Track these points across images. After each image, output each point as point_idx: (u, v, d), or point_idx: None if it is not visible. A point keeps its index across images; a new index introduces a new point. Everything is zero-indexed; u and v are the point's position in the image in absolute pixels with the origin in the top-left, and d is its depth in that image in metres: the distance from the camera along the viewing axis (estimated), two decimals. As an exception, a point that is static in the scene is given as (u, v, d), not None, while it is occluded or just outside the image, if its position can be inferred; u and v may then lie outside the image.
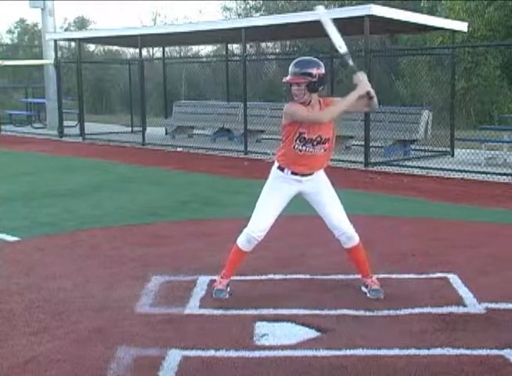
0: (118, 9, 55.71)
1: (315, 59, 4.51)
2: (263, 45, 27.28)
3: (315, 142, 4.43)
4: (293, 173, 4.53)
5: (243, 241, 4.65)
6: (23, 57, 31.29)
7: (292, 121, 4.42)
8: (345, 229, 4.62)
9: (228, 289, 4.71)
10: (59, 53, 23.93)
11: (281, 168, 4.56)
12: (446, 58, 13.94)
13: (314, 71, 4.36)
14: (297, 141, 4.43)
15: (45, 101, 20.82)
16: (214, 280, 4.82)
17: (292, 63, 4.45)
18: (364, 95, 4.42)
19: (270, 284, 4.98)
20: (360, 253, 4.73)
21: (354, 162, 11.70)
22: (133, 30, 17.53)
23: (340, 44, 4.55)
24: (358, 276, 4.80)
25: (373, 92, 4.45)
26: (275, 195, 4.58)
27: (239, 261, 4.74)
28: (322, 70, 4.41)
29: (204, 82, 23.97)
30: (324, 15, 4.59)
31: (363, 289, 4.72)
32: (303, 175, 4.53)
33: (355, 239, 4.66)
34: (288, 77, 4.42)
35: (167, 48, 24.18)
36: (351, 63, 4.52)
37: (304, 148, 4.44)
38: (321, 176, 4.63)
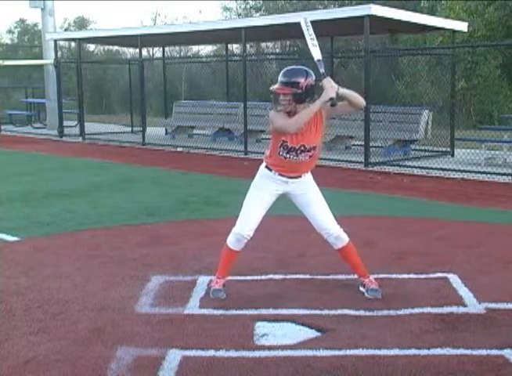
0: (118, 9, 55.78)
1: (305, 68, 4.46)
2: (263, 45, 27.28)
3: (298, 151, 4.44)
4: (281, 174, 4.55)
5: (232, 241, 4.67)
6: (23, 57, 31.28)
7: (274, 129, 4.46)
8: (331, 229, 4.61)
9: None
10: (59, 53, 23.95)
11: (269, 168, 4.59)
12: (446, 58, 13.94)
13: (302, 81, 4.32)
14: (281, 148, 4.46)
15: (45, 101, 20.82)
16: (210, 281, 4.83)
17: (281, 72, 4.43)
18: (327, 100, 4.32)
19: (270, 284, 4.98)
20: (351, 253, 4.72)
21: (354, 162, 11.70)
22: (133, 30, 17.53)
23: (314, 53, 4.51)
24: (356, 276, 4.81)
25: (336, 95, 4.32)
26: (262, 193, 4.59)
27: (232, 260, 4.75)
28: (311, 81, 4.37)
29: (204, 82, 23.96)
30: (304, 24, 4.62)
31: (361, 289, 4.73)
32: (290, 177, 4.55)
33: (344, 239, 4.65)
34: (275, 86, 4.40)
35: (167, 48, 24.18)
36: (322, 70, 4.44)
37: (288, 155, 4.46)
38: (307, 178, 4.63)
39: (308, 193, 4.60)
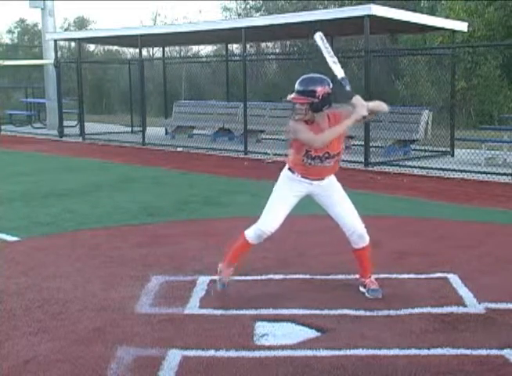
0: (118, 9, 55.79)
1: (322, 76, 4.44)
2: (263, 45, 27.27)
3: (323, 158, 4.46)
4: (304, 176, 4.56)
5: (252, 236, 4.66)
6: (23, 57, 31.29)
7: (296, 139, 4.44)
8: (356, 227, 4.61)
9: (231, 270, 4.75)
10: (59, 53, 23.94)
11: (292, 171, 4.60)
12: (446, 58, 13.94)
13: (318, 90, 4.31)
14: (305, 157, 4.46)
15: (45, 101, 20.82)
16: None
17: (298, 81, 4.40)
18: (360, 119, 4.35)
19: (270, 284, 4.98)
20: (368, 254, 4.73)
21: (354, 162, 11.69)
22: (133, 30, 17.53)
23: (337, 71, 4.49)
24: (357, 276, 4.81)
25: (369, 113, 4.35)
26: (286, 193, 4.61)
27: (245, 252, 4.77)
28: (328, 89, 4.35)
29: (204, 82, 23.96)
30: (321, 43, 4.57)
31: (361, 289, 4.73)
32: (313, 179, 4.57)
33: (366, 239, 4.66)
34: (291, 96, 4.39)
35: (167, 48, 24.18)
36: (348, 88, 4.44)
37: (312, 162, 4.48)
38: (330, 179, 4.65)
39: (333, 194, 4.62)
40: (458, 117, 15.83)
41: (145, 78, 16.43)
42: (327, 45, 4.60)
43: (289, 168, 4.62)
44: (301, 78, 4.43)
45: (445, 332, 4.00)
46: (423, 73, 16.90)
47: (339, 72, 4.48)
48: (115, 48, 30.42)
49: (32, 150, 15.14)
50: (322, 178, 4.59)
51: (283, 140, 13.06)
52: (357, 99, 4.34)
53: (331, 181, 4.65)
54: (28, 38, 39.67)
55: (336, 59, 4.53)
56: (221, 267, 4.78)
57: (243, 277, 4.99)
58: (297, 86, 4.38)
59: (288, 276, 5.14)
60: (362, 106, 4.31)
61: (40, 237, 6.61)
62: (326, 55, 4.54)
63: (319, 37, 4.60)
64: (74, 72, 19.22)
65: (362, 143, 11.96)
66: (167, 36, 16.86)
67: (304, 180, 4.57)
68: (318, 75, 4.48)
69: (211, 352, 3.72)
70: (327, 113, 4.43)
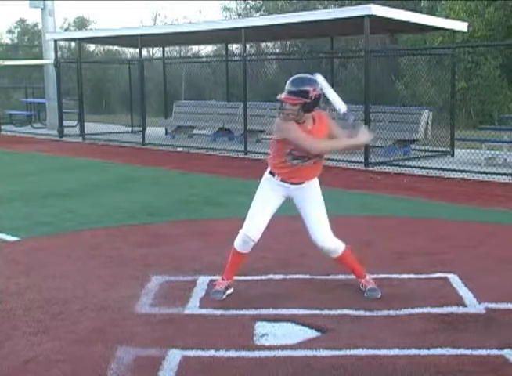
0: (118, 9, 55.79)
1: (312, 77, 4.44)
2: (263, 45, 27.28)
3: (306, 158, 4.45)
4: (283, 180, 4.54)
5: (239, 242, 4.65)
6: (23, 57, 31.28)
7: (284, 138, 4.41)
8: (323, 242, 4.58)
9: (230, 291, 4.71)
10: (59, 53, 23.94)
11: (272, 173, 4.58)
12: (446, 58, 13.94)
13: (310, 90, 4.30)
14: (289, 156, 4.45)
15: (45, 101, 20.82)
16: (215, 280, 4.83)
17: (288, 81, 4.39)
18: (360, 145, 4.55)
19: (270, 284, 4.98)
20: (347, 260, 4.72)
21: (354, 162, 11.69)
22: (133, 30, 17.53)
23: (339, 105, 4.51)
24: (354, 277, 4.81)
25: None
26: (268, 195, 4.59)
27: (238, 263, 4.73)
28: (318, 90, 4.35)
29: (204, 82, 23.96)
30: (322, 81, 4.55)
31: (362, 288, 4.73)
32: (292, 183, 4.54)
33: (336, 251, 4.63)
34: (283, 96, 4.35)
35: (167, 48, 24.18)
36: (351, 119, 4.49)
37: (294, 162, 4.46)
38: (311, 184, 4.61)
39: (309, 200, 4.58)
40: (458, 117, 15.82)
41: (145, 78, 16.42)
42: (327, 83, 4.61)
43: (269, 172, 4.60)
44: (291, 78, 4.40)
45: (445, 332, 4.00)
46: (423, 73, 16.90)
47: (342, 106, 4.51)
48: (115, 48, 30.41)
49: (32, 150, 15.14)
50: (301, 182, 4.55)
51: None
52: (363, 129, 4.47)
53: (312, 186, 4.60)
54: (28, 38, 39.66)
55: (337, 95, 4.56)
56: (219, 279, 4.76)
57: (243, 277, 4.99)
58: (288, 86, 4.35)
59: (288, 276, 5.14)
60: (366, 135, 4.44)
61: (40, 237, 6.61)
62: (328, 92, 4.52)
63: (321, 79, 4.54)
64: (74, 72, 19.20)
65: (362, 143, 11.93)
66: (167, 36, 16.86)
67: (282, 184, 4.54)
68: (308, 76, 4.46)
69: (211, 352, 3.72)
70: (313, 114, 4.43)
